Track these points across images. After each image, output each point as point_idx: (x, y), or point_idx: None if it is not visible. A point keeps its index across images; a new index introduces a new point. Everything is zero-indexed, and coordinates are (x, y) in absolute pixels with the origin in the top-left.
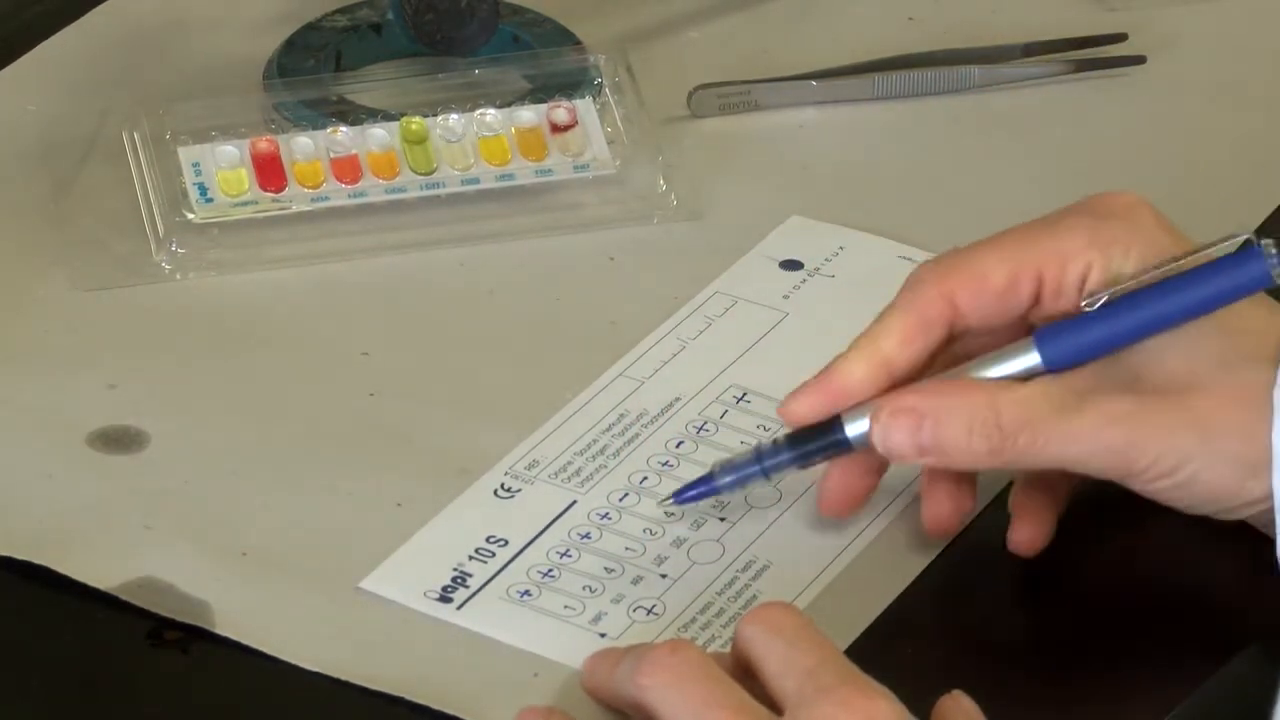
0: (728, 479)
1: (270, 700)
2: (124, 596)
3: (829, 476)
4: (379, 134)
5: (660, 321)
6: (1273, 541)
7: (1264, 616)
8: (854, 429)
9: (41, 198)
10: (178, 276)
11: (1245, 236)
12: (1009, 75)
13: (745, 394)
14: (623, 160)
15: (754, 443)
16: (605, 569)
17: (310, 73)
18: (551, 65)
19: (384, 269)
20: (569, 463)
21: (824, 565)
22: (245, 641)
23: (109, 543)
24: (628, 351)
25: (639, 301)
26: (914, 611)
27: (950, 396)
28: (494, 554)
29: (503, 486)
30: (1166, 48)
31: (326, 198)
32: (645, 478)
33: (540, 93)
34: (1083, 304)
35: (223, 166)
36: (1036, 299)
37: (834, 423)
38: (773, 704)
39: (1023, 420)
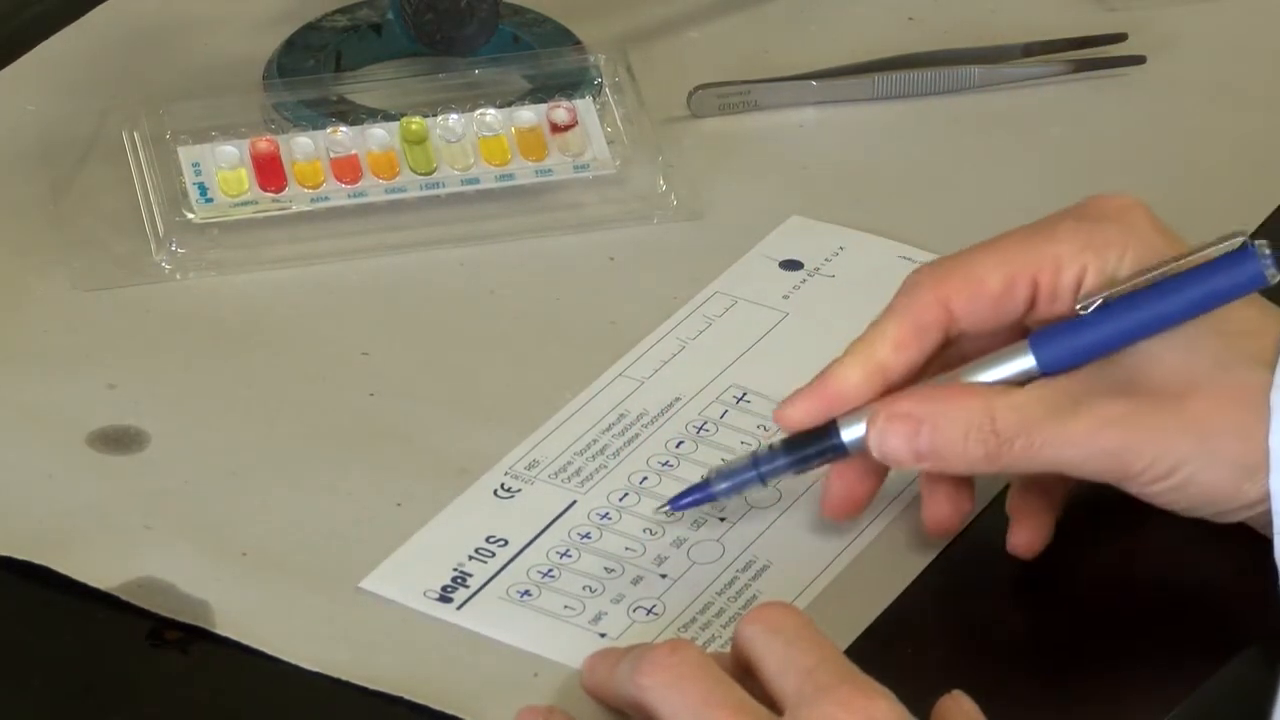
0: (724, 485)
1: (270, 700)
2: (124, 596)
3: (831, 480)
4: (379, 134)
5: (660, 321)
6: (1271, 542)
7: (1264, 617)
8: (850, 434)
9: (41, 198)
10: (178, 276)
11: (1240, 238)
12: (1009, 75)
13: (745, 394)
14: (623, 160)
15: (753, 444)
16: (605, 569)
17: (310, 73)
18: (551, 65)
19: (384, 269)
20: (569, 463)
21: (824, 565)
22: (245, 641)
23: (109, 543)
24: (627, 351)
25: (639, 301)
26: (914, 611)
27: (946, 402)
28: (494, 554)
29: (503, 486)
30: (1166, 48)
31: (326, 198)
32: (645, 478)
33: (540, 93)
34: (1077, 307)
35: (223, 166)
36: (1032, 303)
37: (830, 428)
38: (772, 704)
39: (1018, 425)
